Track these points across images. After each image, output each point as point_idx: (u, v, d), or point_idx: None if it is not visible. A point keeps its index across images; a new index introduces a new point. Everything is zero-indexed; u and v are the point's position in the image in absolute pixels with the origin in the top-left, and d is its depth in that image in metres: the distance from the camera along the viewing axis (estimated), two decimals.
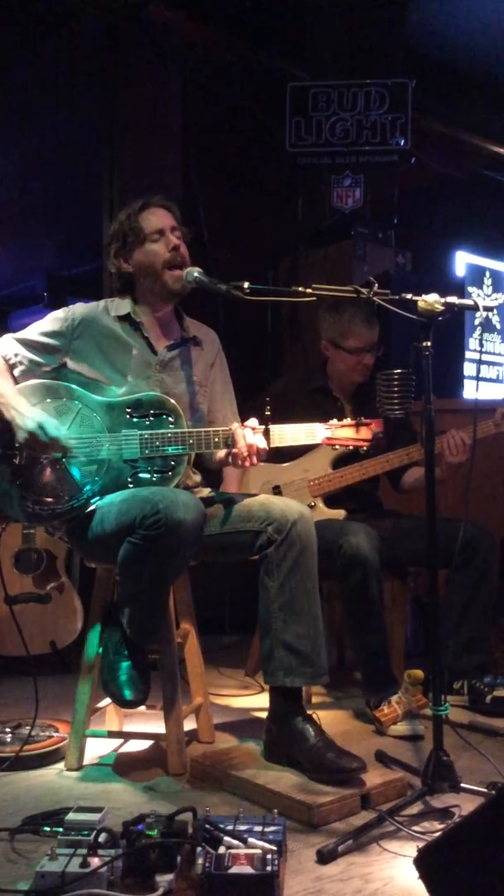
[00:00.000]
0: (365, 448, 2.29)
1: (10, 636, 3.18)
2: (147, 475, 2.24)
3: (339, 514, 2.89)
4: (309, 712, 2.21)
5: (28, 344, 2.35)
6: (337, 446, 2.29)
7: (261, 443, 2.22)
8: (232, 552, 2.31)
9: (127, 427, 2.26)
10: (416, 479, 3.06)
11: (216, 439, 2.24)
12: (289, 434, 2.26)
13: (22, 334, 2.36)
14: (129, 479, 2.24)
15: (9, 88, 4.45)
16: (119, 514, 2.12)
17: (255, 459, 2.22)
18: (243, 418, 2.34)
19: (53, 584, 3.27)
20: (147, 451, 2.24)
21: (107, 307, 2.44)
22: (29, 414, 2.21)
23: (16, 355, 2.33)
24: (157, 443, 2.23)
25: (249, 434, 2.22)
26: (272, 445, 2.25)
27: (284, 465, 2.97)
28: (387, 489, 3.18)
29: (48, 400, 2.29)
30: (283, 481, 2.94)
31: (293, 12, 4.40)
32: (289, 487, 2.92)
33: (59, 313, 2.40)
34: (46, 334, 2.36)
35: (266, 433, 2.24)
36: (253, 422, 2.26)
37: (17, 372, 2.32)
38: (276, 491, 2.93)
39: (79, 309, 2.43)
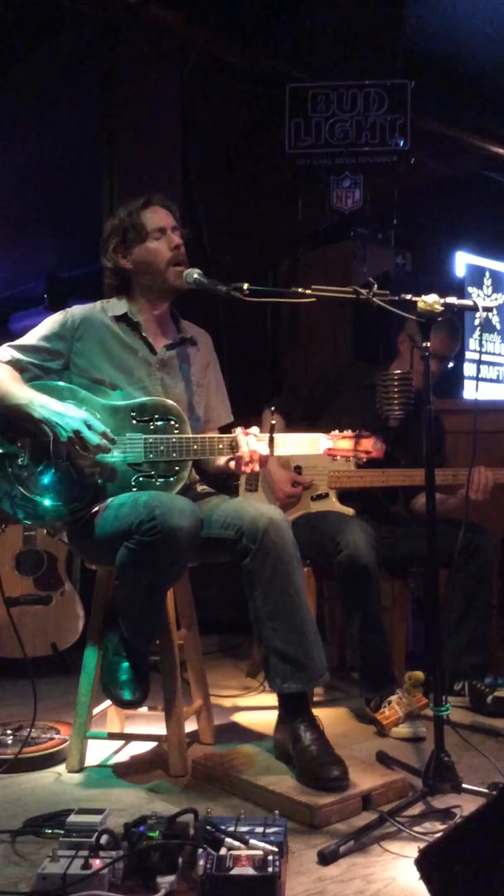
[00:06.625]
0: (362, 460, 2.29)
1: (9, 638, 3.18)
2: (151, 479, 2.23)
3: (349, 511, 2.88)
4: (315, 712, 2.19)
5: (30, 350, 2.32)
6: (338, 457, 2.27)
7: (263, 450, 2.21)
8: (216, 556, 2.28)
9: (131, 431, 2.25)
10: (424, 505, 3.02)
11: (220, 445, 2.24)
12: (291, 443, 2.26)
13: (22, 342, 2.33)
14: (133, 484, 2.23)
15: (8, 90, 4.45)
16: (118, 517, 2.12)
17: (255, 466, 2.22)
18: (247, 419, 2.34)
19: (58, 590, 3.28)
20: (151, 456, 2.23)
21: (104, 308, 2.43)
22: (70, 413, 2.17)
23: (18, 361, 2.30)
24: (162, 447, 2.23)
25: (252, 440, 2.21)
26: (275, 454, 2.24)
27: None
28: None
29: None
30: (308, 463, 2.91)
31: (292, 13, 4.40)
32: (311, 470, 2.89)
33: (57, 316, 2.37)
34: (47, 338, 2.33)
35: (270, 441, 2.22)
36: (255, 430, 2.25)
37: (25, 377, 2.29)
38: (298, 471, 2.92)
39: (77, 310, 2.41)
